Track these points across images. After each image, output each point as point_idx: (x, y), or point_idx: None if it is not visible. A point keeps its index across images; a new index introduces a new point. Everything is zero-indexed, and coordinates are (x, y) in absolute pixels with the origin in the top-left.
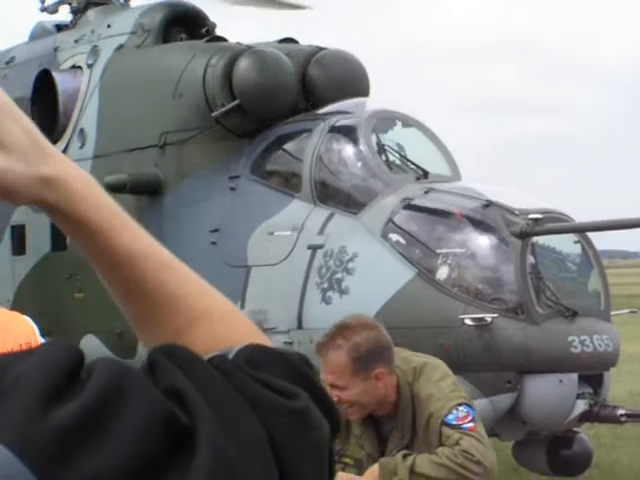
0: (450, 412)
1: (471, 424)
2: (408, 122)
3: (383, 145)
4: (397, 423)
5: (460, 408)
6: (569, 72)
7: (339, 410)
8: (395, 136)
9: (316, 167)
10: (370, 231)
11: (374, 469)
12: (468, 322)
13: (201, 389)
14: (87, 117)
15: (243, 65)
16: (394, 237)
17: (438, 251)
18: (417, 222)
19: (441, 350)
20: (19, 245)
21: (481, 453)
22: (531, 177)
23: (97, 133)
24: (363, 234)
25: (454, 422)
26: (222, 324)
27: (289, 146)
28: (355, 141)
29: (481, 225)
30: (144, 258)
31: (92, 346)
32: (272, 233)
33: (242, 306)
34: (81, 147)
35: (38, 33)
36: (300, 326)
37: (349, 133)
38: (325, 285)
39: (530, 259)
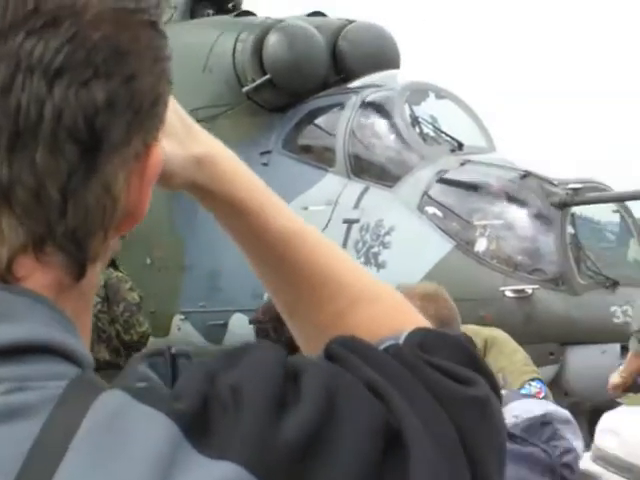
0: (523, 386)
1: (541, 394)
2: (441, 94)
3: (417, 117)
4: None
5: (533, 383)
6: None
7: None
8: (428, 108)
9: (349, 141)
10: (406, 204)
11: None
12: (509, 294)
13: (395, 386)
14: None
15: (273, 40)
16: (431, 210)
17: (476, 223)
18: (454, 194)
19: (482, 322)
20: None
21: None
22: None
23: None
24: (399, 207)
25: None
26: (381, 306)
27: (321, 120)
28: (388, 114)
29: (519, 196)
30: (297, 238)
31: None
32: (306, 208)
33: None
34: None
35: None
36: None
37: (382, 106)
38: (362, 260)
39: (570, 229)
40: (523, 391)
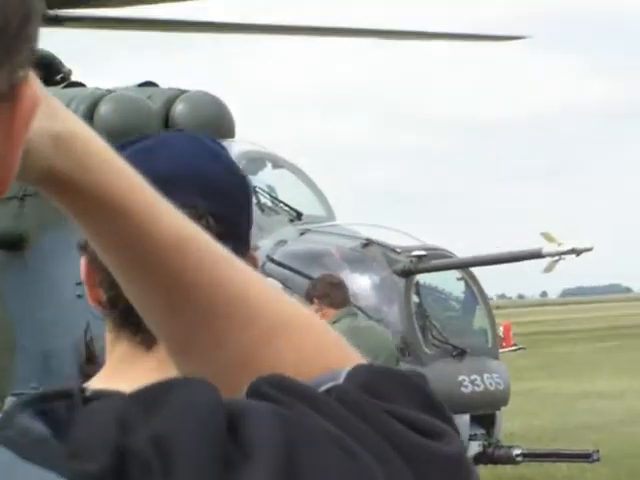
0: None
1: None
2: (278, 163)
3: (254, 187)
4: None
5: None
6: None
7: None
8: (265, 177)
9: None
10: None
11: None
12: None
13: (359, 441)
14: None
15: (103, 110)
16: (270, 281)
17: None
18: (294, 265)
19: None
20: None
21: None
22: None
23: None
24: None
25: None
26: (307, 336)
27: None
28: None
29: (362, 265)
30: (196, 249)
31: None
32: None
33: None
34: None
35: None
36: None
37: None
38: None
39: (414, 298)
40: None
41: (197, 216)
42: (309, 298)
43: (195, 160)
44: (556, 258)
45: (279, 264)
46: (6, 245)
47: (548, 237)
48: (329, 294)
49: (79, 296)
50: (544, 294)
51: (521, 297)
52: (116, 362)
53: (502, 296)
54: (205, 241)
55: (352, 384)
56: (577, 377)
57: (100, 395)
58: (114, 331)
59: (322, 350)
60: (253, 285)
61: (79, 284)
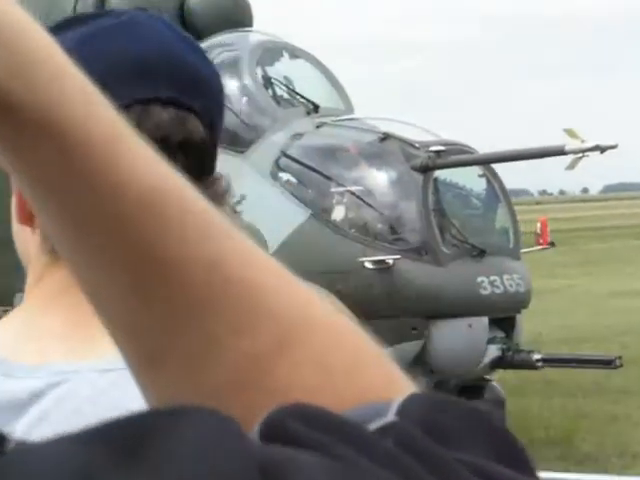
0: None
1: None
2: (295, 53)
3: (269, 78)
4: None
5: None
6: None
7: None
8: (282, 69)
9: None
10: (258, 171)
11: None
12: (368, 265)
13: None
14: None
15: None
16: (284, 176)
17: (333, 189)
18: (309, 159)
19: (340, 296)
20: None
21: None
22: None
23: None
24: (251, 174)
25: None
26: (336, 350)
27: None
28: (239, 75)
29: (378, 160)
30: (179, 210)
31: None
32: None
33: None
34: None
35: None
36: None
37: (232, 67)
38: None
39: (433, 195)
40: None
41: (180, 115)
42: None
43: (172, 45)
44: (579, 155)
45: (294, 160)
46: None
47: (571, 133)
48: None
49: None
50: (585, 190)
51: (562, 193)
52: (50, 293)
53: (543, 192)
54: (194, 200)
55: (410, 422)
56: (612, 275)
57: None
58: (52, 254)
59: (358, 369)
60: (261, 269)
61: None
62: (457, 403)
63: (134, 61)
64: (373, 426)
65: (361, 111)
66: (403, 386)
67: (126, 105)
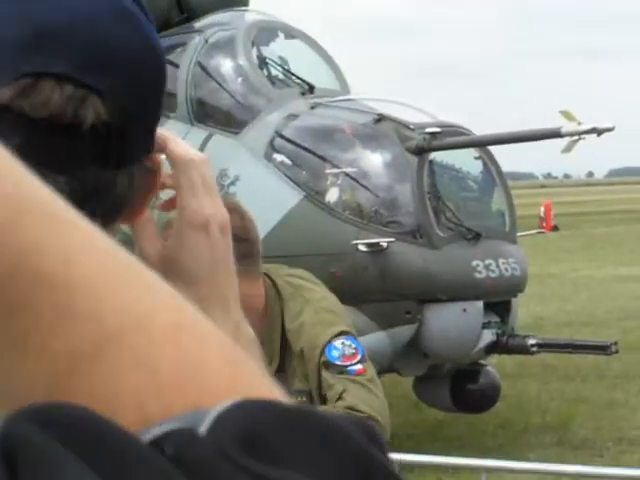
0: (331, 343)
1: (359, 366)
2: (291, 33)
3: (264, 58)
4: (264, 345)
5: (347, 341)
6: None
7: None
8: (277, 48)
9: (191, 85)
10: (252, 152)
11: None
12: (362, 248)
13: None
14: None
15: None
16: (278, 157)
17: (327, 171)
18: (303, 140)
19: (333, 279)
20: None
21: (371, 405)
22: None
23: None
24: (245, 155)
25: (338, 362)
26: (169, 348)
27: None
28: (233, 55)
29: (373, 141)
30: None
31: None
32: None
33: None
34: None
35: None
36: None
37: (227, 46)
38: None
39: (428, 177)
40: (334, 352)
41: (77, 94)
42: None
43: (92, 15)
44: (575, 138)
45: (288, 141)
46: None
47: (568, 116)
48: None
49: None
50: (590, 174)
51: (567, 177)
52: None
53: (548, 175)
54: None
55: (223, 431)
56: (614, 260)
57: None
58: None
59: (193, 371)
60: (92, 267)
61: None
62: (308, 414)
63: (35, 30)
64: (148, 436)
65: (382, 90)
66: (256, 391)
67: (15, 78)
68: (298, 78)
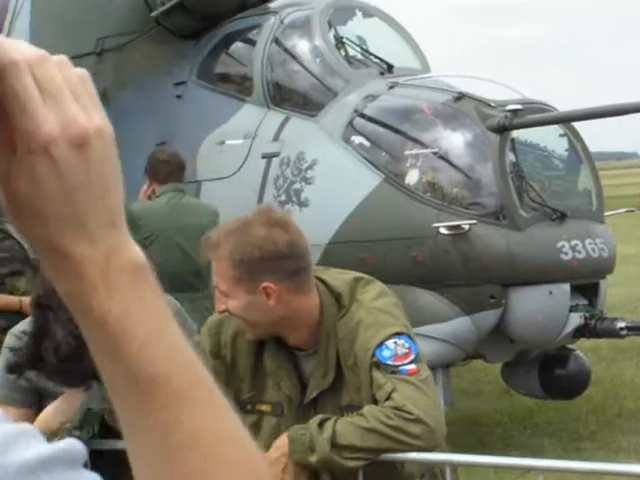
0: (383, 343)
1: (412, 366)
2: (369, 12)
3: (341, 38)
4: (319, 356)
5: (399, 340)
6: None
7: None
8: (355, 28)
9: (267, 67)
10: (330, 134)
11: (282, 443)
12: (443, 231)
13: None
14: (18, 31)
15: None
16: (357, 139)
17: (406, 152)
18: (381, 121)
19: (414, 263)
20: None
21: (422, 407)
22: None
23: (31, 41)
24: (322, 138)
25: (390, 361)
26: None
27: (237, 46)
28: (310, 36)
29: (453, 120)
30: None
31: None
32: (223, 142)
33: None
34: None
35: None
36: None
37: (303, 27)
38: (282, 198)
39: (510, 156)
40: (384, 352)
41: None
42: (145, 172)
43: None
44: None
45: (367, 122)
46: None
47: None
48: (157, 168)
49: None
50: None
51: None
52: None
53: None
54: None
55: None
56: None
57: None
58: None
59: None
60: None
61: (159, 145)
62: None
63: None
64: None
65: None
66: None
67: None
68: (376, 57)
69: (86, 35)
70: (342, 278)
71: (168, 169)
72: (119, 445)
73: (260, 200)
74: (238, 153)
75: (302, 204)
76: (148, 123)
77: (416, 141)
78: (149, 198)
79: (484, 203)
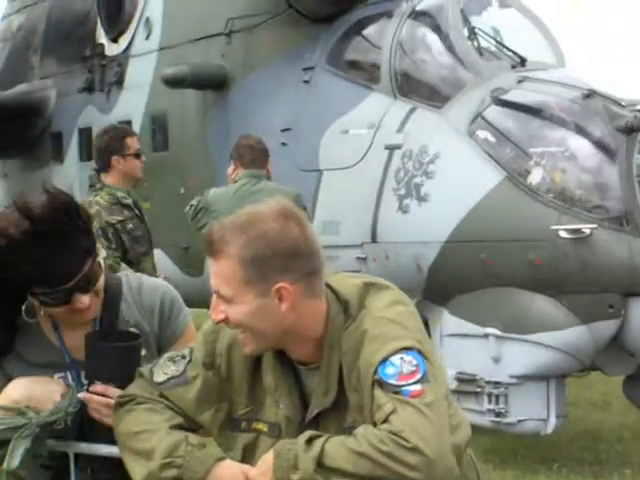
0: (388, 359)
1: (417, 386)
2: (506, 2)
3: (474, 28)
4: (321, 371)
5: (407, 356)
6: None
7: None
8: (491, 18)
9: (396, 55)
10: (455, 127)
11: (267, 459)
12: (563, 234)
13: None
14: (153, 4)
15: None
16: (482, 134)
17: (531, 150)
18: (508, 116)
19: (532, 267)
20: (87, 150)
21: (421, 435)
22: None
23: (163, 22)
24: (447, 131)
25: (393, 380)
26: None
27: (368, 31)
28: (441, 24)
29: (580, 119)
30: None
31: (159, 261)
32: (347, 131)
33: (312, 216)
34: (147, 38)
35: None
36: (374, 239)
37: (434, 15)
38: (402, 191)
39: (638, 159)
40: (388, 369)
41: None
42: (230, 156)
43: None
44: None
45: (492, 116)
46: (212, 85)
47: None
48: (242, 154)
49: (283, 144)
50: None
51: None
52: None
53: None
54: None
55: None
56: None
57: None
58: None
59: None
60: None
61: (284, 131)
62: None
63: None
64: None
65: None
66: None
67: None
68: (509, 50)
69: (216, 15)
70: (351, 283)
71: (252, 155)
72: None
73: (380, 192)
74: (361, 143)
75: (421, 199)
76: (274, 107)
77: (541, 139)
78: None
79: (607, 207)
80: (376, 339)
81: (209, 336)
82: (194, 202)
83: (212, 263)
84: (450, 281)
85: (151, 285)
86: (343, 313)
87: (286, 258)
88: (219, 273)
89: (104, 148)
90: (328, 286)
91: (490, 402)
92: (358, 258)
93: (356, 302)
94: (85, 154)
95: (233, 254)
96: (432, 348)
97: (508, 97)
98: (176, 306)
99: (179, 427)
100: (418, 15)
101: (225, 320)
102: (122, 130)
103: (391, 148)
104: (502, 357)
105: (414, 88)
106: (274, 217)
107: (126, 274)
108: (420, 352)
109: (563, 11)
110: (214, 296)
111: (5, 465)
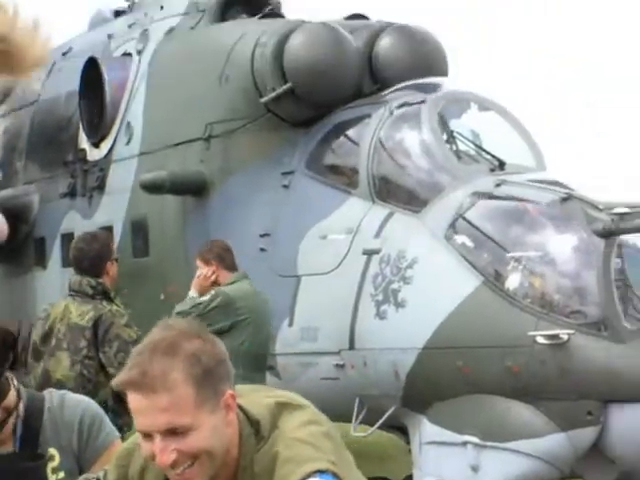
0: None
1: None
2: (485, 105)
3: (452, 132)
4: None
5: None
6: None
7: None
8: (469, 121)
9: (374, 159)
10: (432, 232)
11: None
12: (540, 340)
13: None
14: (134, 110)
15: (295, 43)
16: (459, 238)
17: (508, 255)
18: (485, 220)
19: (509, 374)
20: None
21: None
22: None
23: (143, 127)
24: (424, 236)
25: None
26: None
27: (347, 136)
28: (418, 128)
29: (558, 223)
30: None
31: None
32: (325, 237)
33: (290, 323)
34: (128, 143)
35: (96, 20)
36: (352, 346)
37: (411, 118)
38: (380, 297)
39: (616, 263)
40: None
41: None
42: (204, 260)
43: None
44: None
45: (469, 221)
46: (191, 190)
47: None
48: (224, 257)
49: (262, 249)
50: None
51: None
52: None
53: None
54: None
55: None
56: None
57: None
58: None
59: None
60: None
61: (263, 236)
62: None
63: None
64: None
65: None
66: None
67: None
68: (488, 153)
69: (195, 120)
70: (263, 404)
71: (231, 257)
72: None
73: (358, 298)
74: (339, 248)
75: (399, 305)
76: (253, 212)
77: (518, 243)
78: (213, 284)
79: (585, 312)
80: (289, 462)
81: (122, 460)
82: (205, 298)
83: (152, 401)
84: (428, 388)
85: (73, 400)
86: (254, 435)
87: (223, 363)
88: (168, 407)
89: (97, 255)
90: (239, 407)
91: None
92: (336, 365)
93: (268, 423)
94: (68, 260)
95: (182, 378)
96: (350, 469)
97: (485, 202)
98: (96, 424)
99: None
100: (396, 119)
101: (178, 458)
102: (106, 235)
103: (369, 253)
104: (481, 466)
105: (392, 192)
106: (184, 338)
107: (50, 391)
108: (335, 475)
109: None
110: (157, 439)
111: None
